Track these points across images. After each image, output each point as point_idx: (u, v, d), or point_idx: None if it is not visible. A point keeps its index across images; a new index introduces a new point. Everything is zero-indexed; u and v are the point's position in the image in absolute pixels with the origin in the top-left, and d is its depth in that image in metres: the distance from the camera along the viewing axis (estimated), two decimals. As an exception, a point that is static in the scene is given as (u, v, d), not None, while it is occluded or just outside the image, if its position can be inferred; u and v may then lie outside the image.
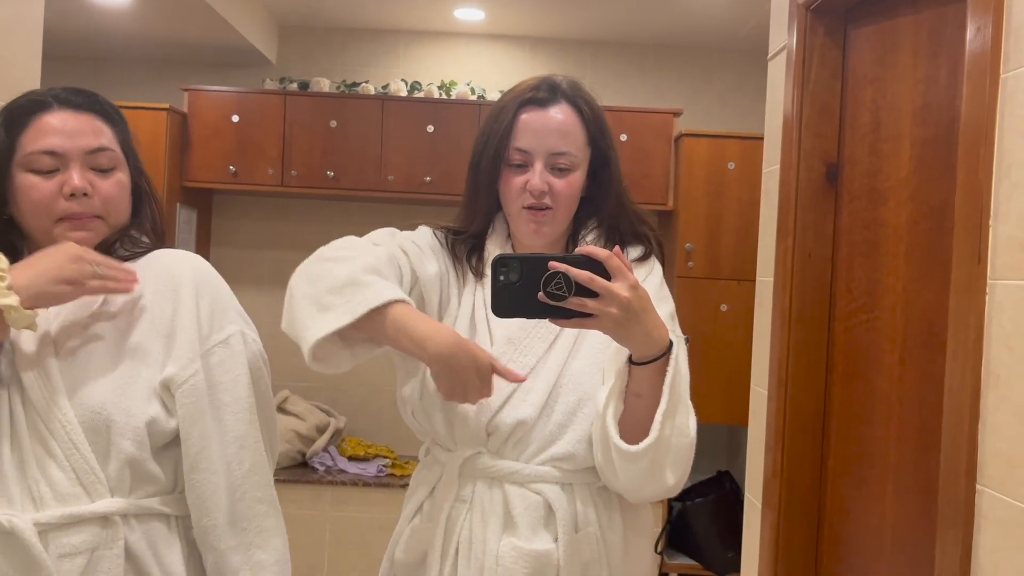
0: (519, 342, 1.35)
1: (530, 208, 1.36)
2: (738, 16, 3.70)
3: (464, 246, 1.44)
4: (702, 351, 3.49)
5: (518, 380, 1.27)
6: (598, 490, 1.34)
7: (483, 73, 4.17)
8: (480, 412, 1.32)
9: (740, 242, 3.61)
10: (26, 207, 1.23)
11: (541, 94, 1.37)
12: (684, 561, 3.65)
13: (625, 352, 1.23)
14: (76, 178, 1.21)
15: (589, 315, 1.15)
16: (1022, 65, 1.24)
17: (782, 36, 2.05)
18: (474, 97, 3.94)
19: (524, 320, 1.31)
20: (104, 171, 1.24)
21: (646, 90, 4.20)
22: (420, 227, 1.49)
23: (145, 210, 1.32)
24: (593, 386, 1.31)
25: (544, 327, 1.34)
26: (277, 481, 1.32)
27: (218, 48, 3.90)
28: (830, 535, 1.87)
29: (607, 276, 1.14)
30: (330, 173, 3.76)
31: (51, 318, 1.22)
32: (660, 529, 3.59)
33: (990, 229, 1.27)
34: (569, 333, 1.34)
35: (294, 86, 3.94)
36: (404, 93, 3.90)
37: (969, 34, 1.33)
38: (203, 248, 4.05)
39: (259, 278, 4.07)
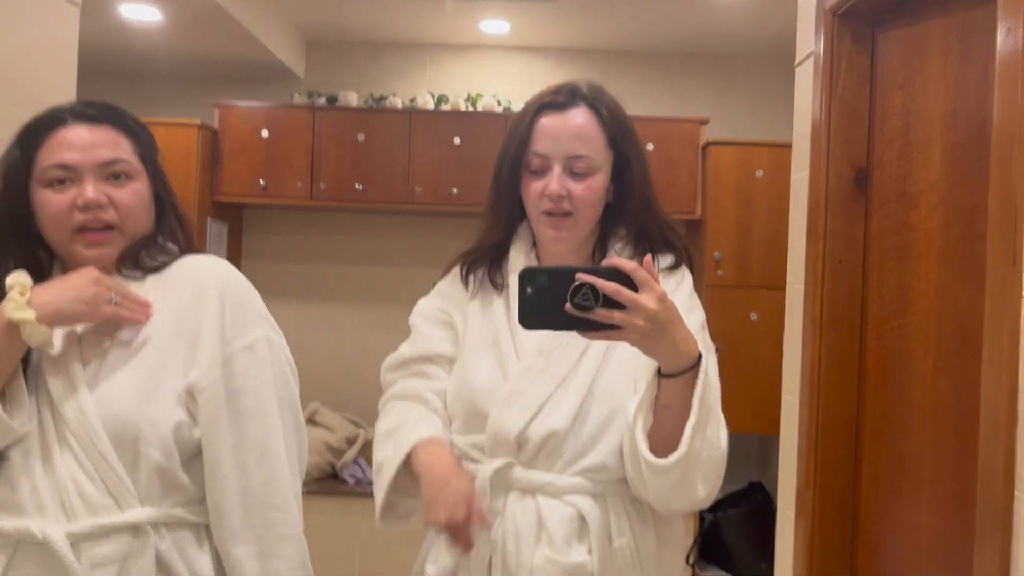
0: (549, 353, 1.34)
1: (549, 213, 1.35)
2: (762, 23, 3.69)
3: (482, 262, 1.44)
4: (732, 360, 3.46)
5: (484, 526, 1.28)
6: (631, 501, 1.32)
7: (509, 84, 4.19)
8: (511, 423, 1.32)
9: (769, 250, 3.58)
10: (44, 221, 1.25)
11: (560, 98, 1.36)
12: (716, 573, 3.61)
13: (655, 364, 1.22)
14: (90, 190, 1.22)
15: (616, 327, 1.14)
16: (1055, 65, 1.22)
17: (809, 42, 2.04)
18: (500, 108, 3.95)
19: (552, 331, 1.31)
20: (120, 182, 1.25)
21: (671, 99, 4.19)
22: (436, 286, 1.51)
23: (169, 219, 1.32)
24: (625, 397, 1.30)
25: (575, 337, 1.34)
26: (307, 493, 1.32)
27: (247, 64, 3.96)
28: (865, 544, 1.85)
29: (634, 288, 1.14)
30: (358, 186, 3.79)
31: (78, 328, 1.23)
32: (692, 540, 3.56)
33: (1025, 232, 1.26)
34: (600, 344, 1.33)
35: (322, 100, 3.98)
36: (431, 106, 3.93)
37: (1000, 36, 1.32)
38: (234, 261, 4.06)
39: (289, 290, 4.10)
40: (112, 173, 1.24)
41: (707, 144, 3.70)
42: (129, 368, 1.21)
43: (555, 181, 1.33)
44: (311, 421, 3.80)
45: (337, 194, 3.81)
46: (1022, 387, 1.25)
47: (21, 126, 1.27)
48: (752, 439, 3.97)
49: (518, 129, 1.37)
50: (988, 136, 1.38)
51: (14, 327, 1.15)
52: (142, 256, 1.28)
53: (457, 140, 3.79)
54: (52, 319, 1.17)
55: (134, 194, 1.26)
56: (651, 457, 1.20)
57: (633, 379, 1.31)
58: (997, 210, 1.31)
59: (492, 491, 1.32)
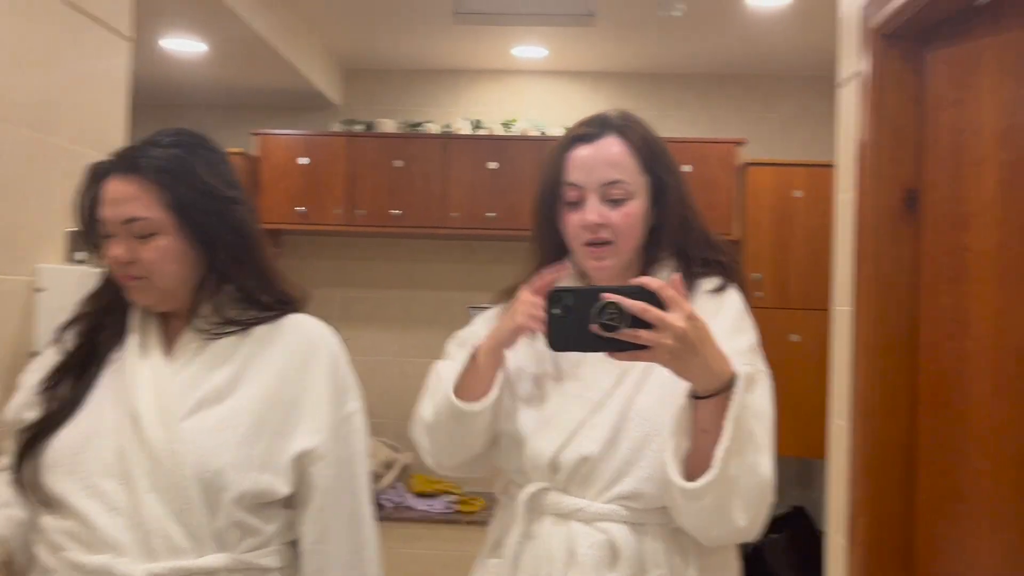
0: (585, 378, 1.33)
1: (590, 244, 1.35)
2: (796, 44, 3.67)
3: None
4: (773, 382, 3.42)
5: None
6: (672, 532, 1.29)
7: (544, 108, 4.21)
8: (544, 447, 1.31)
9: (809, 271, 3.55)
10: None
11: (590, 129, 1.37)
12: (760, 599, 3.55)
13: (689, 386, 1.20)
14: (114, 248, 1.27)
15: (644, 347, 1.12)
16: (1118, 83, 1.20)
17: (852, 62, 2.02)
18: (536, 133, 3.97)
19: (591, 354, 1.29)
20: (143, 238, 1.27)
21: (707, 120, 4.18)
22: (483, 314, 1.51)
23: (224, 262, 1.31)
24: (662, 422, 1.28)
25: (612, 361, 1.33)
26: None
27: (287, 93, 4.01)
28: (923, 573, 1.80)
29: (662, 307, 1.12)
30: (395, 211, 3.81)
31: (177, 371, 1.27)
32: (734, 566, 3.50)
33: (1090, 253, 1.23)
34: (638, 367, 1.31)
35: (359, 127, 4.02)
36: (467, 131, 3.95)
37: (1058, 53, 1.30)
38: (272, 287, 4.13)
39: (327, 315, 4.06)
40: (134, 231, 1.26)
41: (745, 165, 3.68)
42: (225, 420, 1.25)
43: (591, 210, 1.33)
44: (350, 446, 3.80)
45: (375, 219, 3.84)
46: (1091, 412, 1.22)
47: (88, 167, 1.32)
48: (792, 462, 3.91)
49: (552, 164, 1.38)
50: (1047, 155, 1.35)
51: None
52: (224, 310, 1.32)
53: (493, 165, 3.80)
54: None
55: (155, 250, 1.27)
56: (678, 480, 1.18)
57: (673, 403, 1.29)
58: (1060, 231, 1.28)
59: (528, 516, 1.32)
